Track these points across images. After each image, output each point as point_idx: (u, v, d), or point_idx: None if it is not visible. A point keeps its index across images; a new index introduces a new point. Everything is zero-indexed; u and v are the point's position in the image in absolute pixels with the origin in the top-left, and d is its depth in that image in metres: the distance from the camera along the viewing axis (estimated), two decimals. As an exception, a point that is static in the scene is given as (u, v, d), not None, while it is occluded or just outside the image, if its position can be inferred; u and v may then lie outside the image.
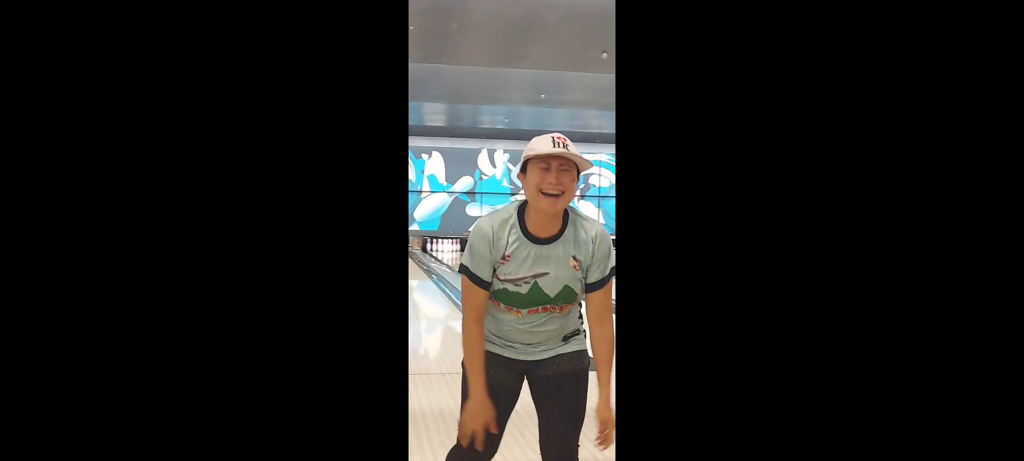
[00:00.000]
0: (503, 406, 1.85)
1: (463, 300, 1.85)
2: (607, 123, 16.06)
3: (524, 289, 1.80)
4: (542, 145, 1.74)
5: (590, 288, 1.84)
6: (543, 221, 1.76)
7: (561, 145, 1.73)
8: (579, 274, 1.81)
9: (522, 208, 1.81)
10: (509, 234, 1.78)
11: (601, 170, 18.45)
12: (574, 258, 1.79)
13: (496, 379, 1.84)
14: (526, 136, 16.70)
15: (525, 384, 1.91)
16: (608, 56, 9.07)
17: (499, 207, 1.88)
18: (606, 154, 18.29)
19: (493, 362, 1.85)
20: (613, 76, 10.54)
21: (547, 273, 1.79)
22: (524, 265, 1.78)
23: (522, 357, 1.88)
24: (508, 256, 1.78)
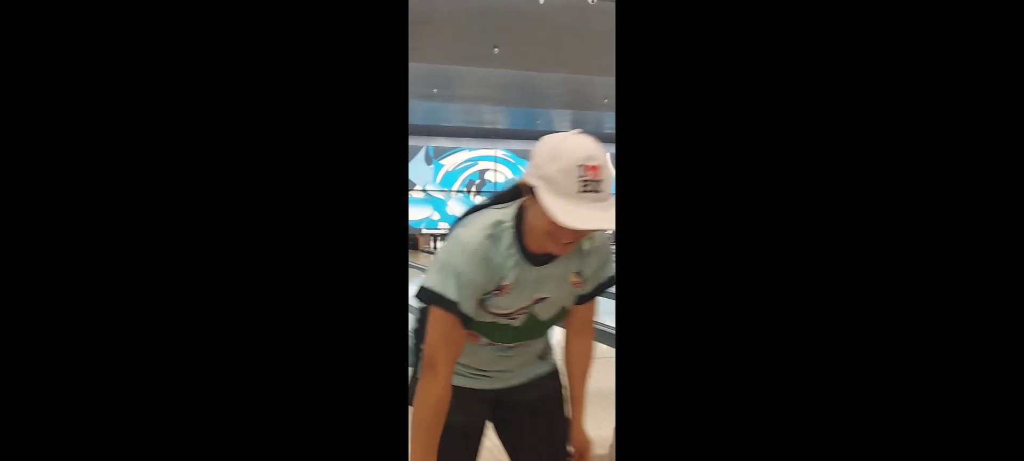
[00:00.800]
0: (472, 448, 1.45)
1: (438, 343, 1.31)
2: (501, 118, 16.02)
3: (518, 322, 1.38)
4: (566, 182, 1.21)
5: (581, 300, 1.44)
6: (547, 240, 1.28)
7: (592, 183, 1.22)
8: (578, 290, 1.42)
9: (519, 217, 1.32)
10: (507, 257, 1.31)
11: (497, 166, 18.43)
12: (577, 274, 1.39)
13: (466, 418, 1.40)
14: (419, 131, 16.49)
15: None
16: (499, 51, 8.96)
17: (481, 214, 1.36)
18: (502, 150, 18.29)
19: (459, 397, 1.35)
20: (505, 71, 10.47)
21: (546, 297, 1.37)
22: (523, 295, 1.34)
23: (494, 386, 1.46)
24: (506, 286, 1.32)
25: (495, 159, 18.31)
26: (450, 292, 1.29)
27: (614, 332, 1.14)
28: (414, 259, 13.95)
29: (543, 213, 1.22)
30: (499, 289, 1.32)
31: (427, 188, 17.27)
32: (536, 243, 1.30)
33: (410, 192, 16.71)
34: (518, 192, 1.33)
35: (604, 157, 1.26)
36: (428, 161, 17.67)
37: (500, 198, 1.39)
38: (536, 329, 1.43)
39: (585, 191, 1.22)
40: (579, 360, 1.51)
